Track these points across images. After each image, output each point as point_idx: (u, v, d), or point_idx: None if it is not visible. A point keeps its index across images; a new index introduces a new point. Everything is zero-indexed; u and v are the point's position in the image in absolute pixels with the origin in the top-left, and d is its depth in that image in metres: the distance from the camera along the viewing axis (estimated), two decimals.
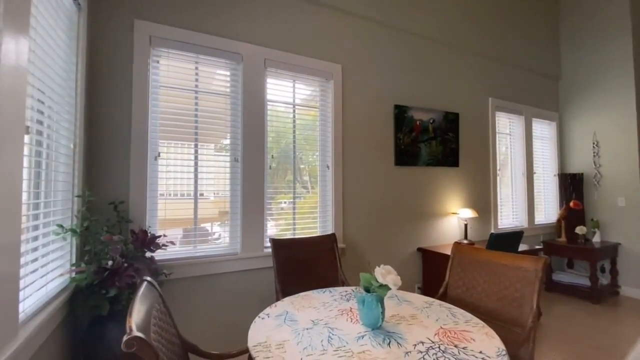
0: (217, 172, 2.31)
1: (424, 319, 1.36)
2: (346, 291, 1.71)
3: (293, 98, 2.61)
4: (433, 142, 3.25)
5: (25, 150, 1.17)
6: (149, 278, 1.21)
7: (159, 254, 1.92)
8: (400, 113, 3.05)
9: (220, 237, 2.33)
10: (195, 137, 2.23)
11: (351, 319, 1.35)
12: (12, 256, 1.01)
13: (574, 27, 4.33)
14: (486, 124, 3.72)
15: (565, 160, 4.42)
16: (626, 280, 3.73)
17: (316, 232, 2.65)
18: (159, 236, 1.84)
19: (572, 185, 4.13)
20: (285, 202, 2.59)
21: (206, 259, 2.17)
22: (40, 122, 1.33)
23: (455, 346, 1.11)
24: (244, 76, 2.35)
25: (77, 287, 1.55)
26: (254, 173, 2.37)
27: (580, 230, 3.78)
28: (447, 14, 3.40)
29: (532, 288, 1.58)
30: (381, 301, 1.24)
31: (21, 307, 1.11)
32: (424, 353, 1.07)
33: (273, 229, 2.53)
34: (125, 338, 0.78)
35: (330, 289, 1.75)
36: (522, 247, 3.12)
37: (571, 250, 3.71)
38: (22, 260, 1.12)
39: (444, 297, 1.89)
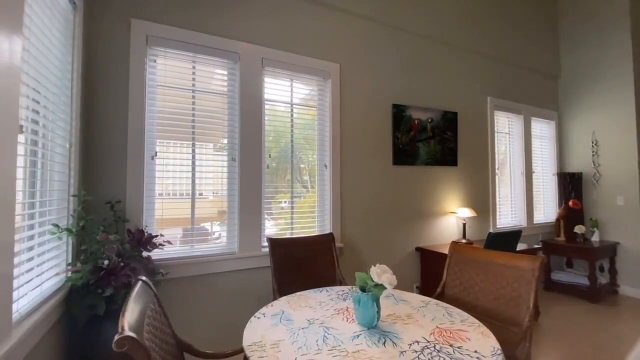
0: (214, 171, 2.31)
1: (420, 318, 1.35)
2: (343, 290, 1.71)
3: (291, 97, 2.60)
4: (431, 141, 3.24)
5: (20, 150, 1.17)
6: (144, 277, 1.21)
7: (156, 254, 1.92)
8: (399, 112, 3.04)
9: (219, 237, 2.33)
10: (192, 137, 2.22)
11: (347, 318, 1.35)
12: (5, 256, 1.01)
13: (573, 26, 4.32)
14: (485, 123, 3.71)
15: (564, 159, 4.41)
16: (625, 280, 3.73)
17: (314, 231, 2.65)
18: (156, 236, 1.84)
19: (571, 185, 4.12)
20: (285, 202, 2.59)
21: (203, 259, 2.17)
22: (35, 122, 1.33)
23: (451, 345, 1.11)
24: (242, 75, 2.35)
25: (73, 287, 1.55)
26: (252, 172, 2.37)
27: (579, 229, 3.78)
28: (446, 13, 3.39)
29: (529, 287, 1.58)
30: (377, 300, 1.24)
31: (15, 306, 1.11)
32: (419, 352, 1.06)
33: (272, 228, 2.53)
34: (116, 337, 0.78)
35: (327, 288, 1.75)
36: (521, 246, 3.11)
37: (570, 250, 3.70)
38: (17, 259, 1.12)
39: (441, 297, 1.89)
